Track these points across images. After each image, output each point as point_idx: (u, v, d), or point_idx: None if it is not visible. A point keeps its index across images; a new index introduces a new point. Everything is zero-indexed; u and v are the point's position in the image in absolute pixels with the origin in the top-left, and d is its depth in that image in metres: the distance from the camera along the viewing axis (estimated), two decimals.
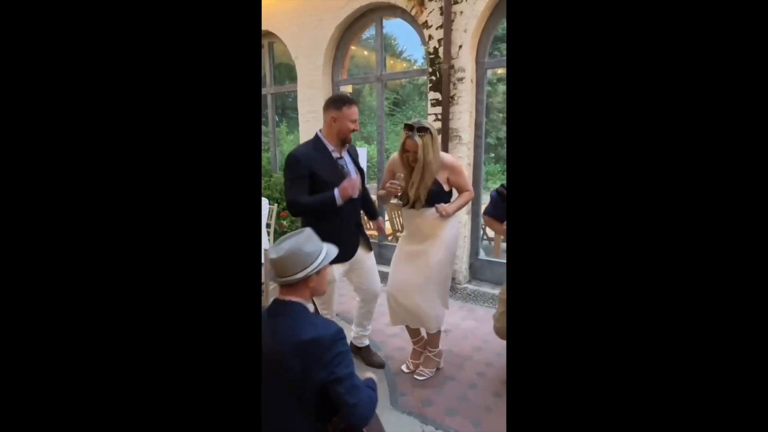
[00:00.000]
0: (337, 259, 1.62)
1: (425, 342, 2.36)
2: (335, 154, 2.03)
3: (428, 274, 2.15)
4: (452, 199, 2.18)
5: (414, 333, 2.37)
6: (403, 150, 2.03)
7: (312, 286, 1.28)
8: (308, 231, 1.30)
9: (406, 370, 2.36)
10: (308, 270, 1.24)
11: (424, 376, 2.30)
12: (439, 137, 3.03)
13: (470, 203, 3.44)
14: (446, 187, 2.12)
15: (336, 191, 1.91)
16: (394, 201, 2.14)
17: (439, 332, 2.32)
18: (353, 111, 2.01)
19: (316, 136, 2.05)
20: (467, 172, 3.31)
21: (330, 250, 1.32)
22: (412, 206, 2.11)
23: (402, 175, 2.04)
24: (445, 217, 2.06)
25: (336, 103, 2.00)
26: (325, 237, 1.35)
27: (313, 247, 1.27)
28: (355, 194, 1.96)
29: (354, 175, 2.07)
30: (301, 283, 1.25)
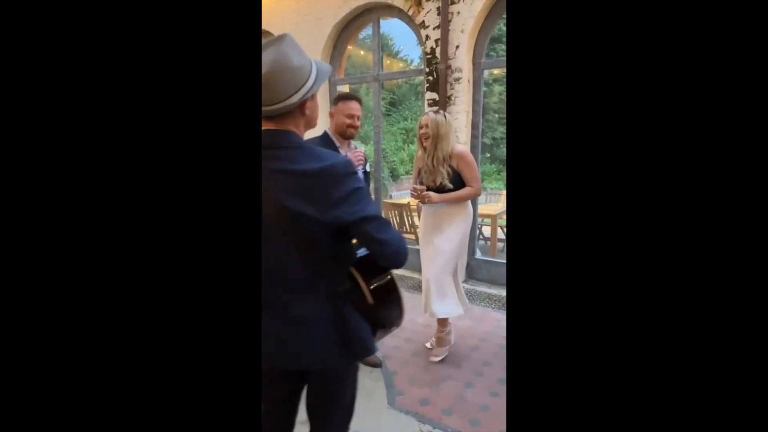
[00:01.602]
0: None
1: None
2: (340, 152, 2.15)
3: (436, 260, 2.31)
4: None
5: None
6: (420, 127, 2.31)
7: (308, 115, 0.96)
8: (289, 36, 0.91)
9: (429, 346, 2.55)
10: (304, 90, 0.90)
11: (439, 356, 2.45)
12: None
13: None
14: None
15: None
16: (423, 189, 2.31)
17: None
18: (347, 106, 2.13)
19: (325, 132, 2.22)
20: None
21: (320, 64, 0.97)
22: (437, 189, 2.25)
23: (423, 185, 2.28)
24: (427, 203, 2.26)
25: (336, 99, 2.19)
26: None
27: (301, 58, 0.91)
28: None
29: None
30: (295, 112, 0.92)
